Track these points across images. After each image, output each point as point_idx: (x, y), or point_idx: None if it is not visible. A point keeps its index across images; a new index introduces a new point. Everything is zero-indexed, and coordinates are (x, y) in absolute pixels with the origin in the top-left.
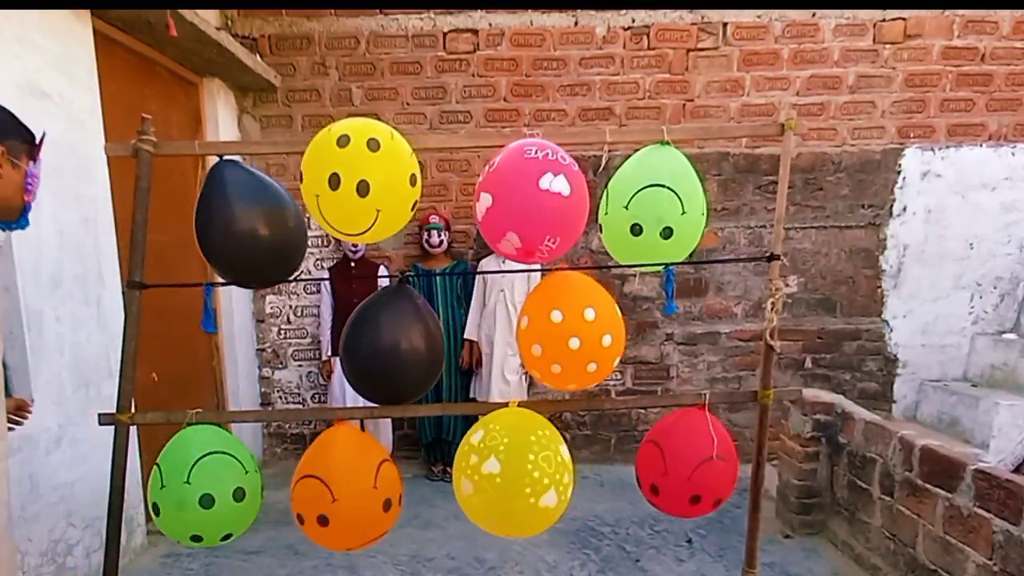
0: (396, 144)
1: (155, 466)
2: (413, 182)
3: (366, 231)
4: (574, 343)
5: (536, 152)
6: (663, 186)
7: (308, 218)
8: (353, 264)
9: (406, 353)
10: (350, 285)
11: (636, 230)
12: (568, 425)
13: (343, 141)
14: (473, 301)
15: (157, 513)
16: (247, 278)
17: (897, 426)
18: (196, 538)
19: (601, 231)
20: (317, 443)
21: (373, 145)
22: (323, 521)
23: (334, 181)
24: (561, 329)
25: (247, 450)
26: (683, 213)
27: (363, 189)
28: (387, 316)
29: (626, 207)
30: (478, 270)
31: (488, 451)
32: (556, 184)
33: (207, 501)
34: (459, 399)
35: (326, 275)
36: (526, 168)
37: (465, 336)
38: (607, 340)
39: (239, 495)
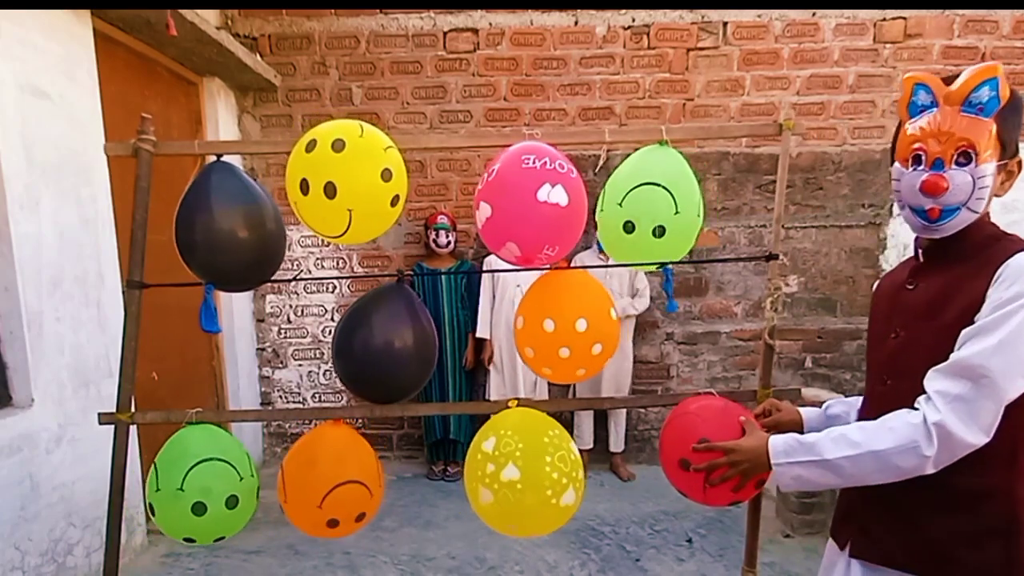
0: (365, 141)
1: (152, 465)
2: (387, 177)
3: (345, 232)
4: (564, 352)
5: (534, 161)
6: (657, 184)
7: None
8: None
9: (398, 352)
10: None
11: (628, 227)
12: (568, 424)
13: (310, 146)
14: (482, 298)
15: (153, 513)
16: (221, 280)
17: None
18: (189, 540)
19: (597, 228)
20: (328, 446)
21: (338, 146)
22: (360, 518)
23: (304, 186)
24: (552, 338)
25: (244, 452)
26: (676, 212)
27: (330, 191)
28: (379, 315)
29: (620, 204)
30: (484, 268)
31: (505, 458)
32: (554, 195)
33: (199, 509)
34: (463, 398)
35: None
36: (524, 179)
37: (478, 335)
38: (597, 349)
39: (232, 503)
